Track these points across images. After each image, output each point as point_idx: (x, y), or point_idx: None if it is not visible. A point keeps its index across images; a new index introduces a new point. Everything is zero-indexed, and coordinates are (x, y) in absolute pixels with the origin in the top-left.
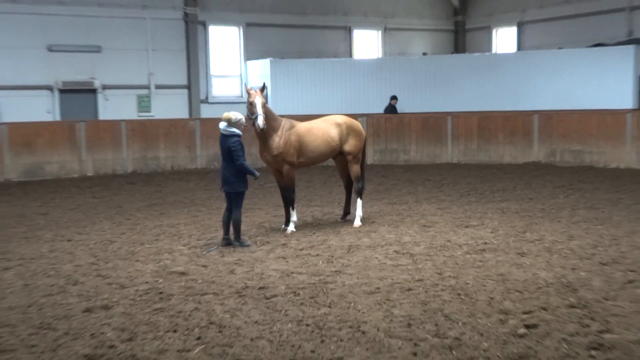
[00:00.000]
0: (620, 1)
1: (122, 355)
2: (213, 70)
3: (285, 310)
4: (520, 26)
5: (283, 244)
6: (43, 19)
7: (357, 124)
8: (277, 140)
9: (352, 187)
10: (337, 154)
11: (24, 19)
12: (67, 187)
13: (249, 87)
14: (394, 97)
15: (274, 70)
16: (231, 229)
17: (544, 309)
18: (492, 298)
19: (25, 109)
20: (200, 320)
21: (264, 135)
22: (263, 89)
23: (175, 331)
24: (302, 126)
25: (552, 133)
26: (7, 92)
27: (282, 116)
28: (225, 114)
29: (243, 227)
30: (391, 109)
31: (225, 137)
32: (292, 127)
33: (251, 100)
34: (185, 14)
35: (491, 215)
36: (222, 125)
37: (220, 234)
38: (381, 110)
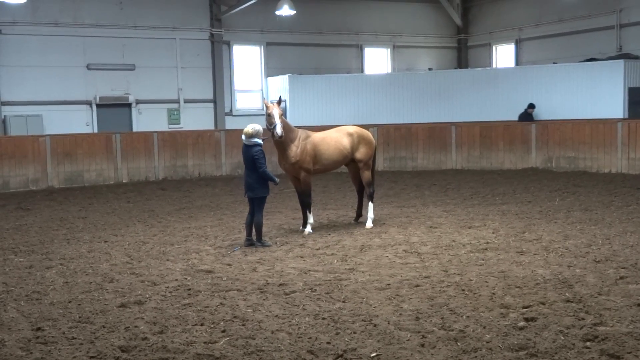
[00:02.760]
0: (610, 19)
1: (154, 346)
2: (237, 85)
3: (303, 305)
4: (518, 43)
5: (301, 244)
6: (83, 40)
7: (367, 133)
8: (295, 150)
9: (363, 192)
10: (350, 161)
11: (66, 41)
12: (104, 193)
13: (267, 100)
14: (531, 106)
15: (292, 85)
16: (253, 230)
17: (542, 303)
18: (493, 293)
19: (66, 121)
20: (225, 315)
21: (282, 146)
22: (279, 102)
23: (202, 324)
24: (317, 136)
25: (549, 141)
26: (50, 106)
27: (298, 127)
28: (247, 127)
29: (264, 229)
30: (526, 116)
31: (248, 147)
32: (307, 137)
33: (269, 112)
34: (212, 35)
35: (492, 217)
36: (245, 136)
37: (243, 235)
38: (391, 120)
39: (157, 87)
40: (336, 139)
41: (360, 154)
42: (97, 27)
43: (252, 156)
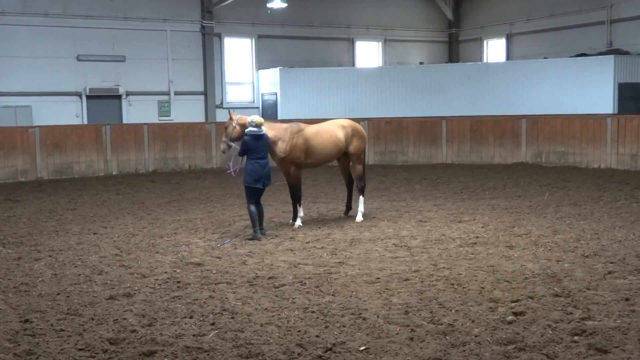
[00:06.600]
0: (601, 15)
1: (143, 339)
2: (227, 78)
3: (293, 299)
4: (509, 38)
5: (291, 238)
6: (73, 31)
7: (360, 127)
8: (283, 146)
9: (353, 185)
10: (341, 155)
11: (56, 31)
12: (94, 184)
13: (233, 112)
14: None
15: (283, 78)
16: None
17: (531, 297)
18: (482, 287)
19: (55, 113)
20: (214, 307)
21: (272, 143)
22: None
23: (191, 317)
24: (310, 129)
25: (539, 136)
26: (39, 97)
27: (290, 120)
28: (254, 117)
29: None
30: None
31: (258, 137)
32: (299, 130)
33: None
34: (202, 27)
35: (482, 211)
36: (252, 128)
37: (233, 228)
38: (382, 114)
39: (147, 79)
40: (331, 132)
41: (353, 147)
42: (87, 18)
43: (266, 144)
